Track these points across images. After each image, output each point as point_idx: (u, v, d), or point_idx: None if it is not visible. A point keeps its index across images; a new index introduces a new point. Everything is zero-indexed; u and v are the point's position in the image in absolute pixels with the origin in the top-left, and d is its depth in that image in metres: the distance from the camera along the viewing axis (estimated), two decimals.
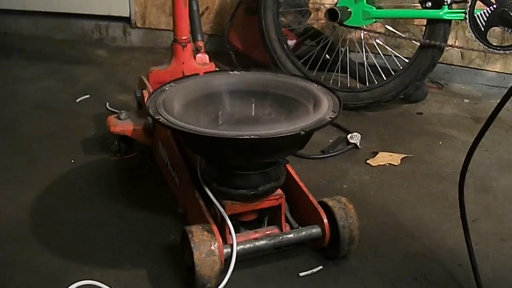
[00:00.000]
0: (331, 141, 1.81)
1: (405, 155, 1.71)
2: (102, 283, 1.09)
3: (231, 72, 1.30)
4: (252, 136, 0.97)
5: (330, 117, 1.06)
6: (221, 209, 1.15)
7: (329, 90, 1.19)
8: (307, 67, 2.15)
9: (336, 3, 1.97)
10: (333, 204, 1.20)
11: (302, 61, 2.15)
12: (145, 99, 1.54)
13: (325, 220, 1.18)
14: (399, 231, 1.35)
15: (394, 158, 1.69)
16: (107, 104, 2.06)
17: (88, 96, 2.16)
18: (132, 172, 1.61)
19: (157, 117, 1.05)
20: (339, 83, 2.11)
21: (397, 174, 1.62)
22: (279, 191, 1.20)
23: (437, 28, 1.85)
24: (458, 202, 1.13)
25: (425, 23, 1.91)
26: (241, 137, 0.97)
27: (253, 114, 1.18)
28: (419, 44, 1.91)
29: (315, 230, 1.19)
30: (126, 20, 2.84)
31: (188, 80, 1.26)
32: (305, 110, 1.14)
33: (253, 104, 1.22)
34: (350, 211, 1.19)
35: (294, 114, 1.16)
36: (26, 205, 1.44)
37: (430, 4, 1.84)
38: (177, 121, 1.03)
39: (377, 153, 1.72)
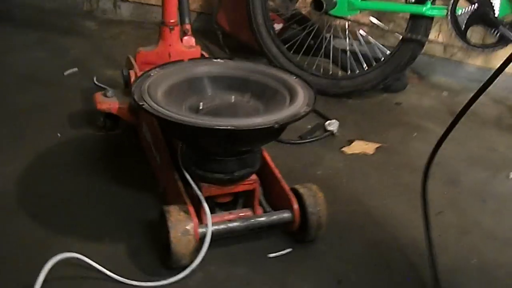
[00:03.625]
0: (309, 126, 1.87)
1: (379, 145, 1.78)
2: (83, 255, 1.16)
3: (214, 60, 1.36)
4: (229, 127, 1.03)
5: (304, 111, 1.13)
6: (198, 191, 1.21)
7: (306, 84, 1.25)
8: (292, 51, 2.20)
9: None
10: (304, 191, 1.27)
11: (287, 45, 2.20)
12: (131, 80, 1.60)
13: (296, 206, 1.26)
14: (366, 219, 1.42)
15: (368, 147, 1.76)
16: (95, 78, 2.11)
17: (76, 69, 2.19)
18: (117, 148, 1.67)
19: (141, 103, 1.11)
20: (321, 69, 2.17)
21: (370, 163, 1.69)
22: (254, 176, 1.26)
23: (419, 23, 1.91)
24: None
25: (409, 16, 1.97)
26: (218, 127, 1.03)
27: (232, 101, 1.23)
28: (401, 37, 1.97)
29: (286, 215, 1.26)
30: None
31: (173, 66, 1.31)
32: (282, 101, 1.20)
33: (234, 92, 1.28)
34: (319, 199, 1.26)
35: (272, 104, 1.22)
36: (12, 176, 1.49)
37: None
38: (160, 108, 1.09)
39: (352, 141, 1.79)
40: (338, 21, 2.16)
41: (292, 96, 1.20)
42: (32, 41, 2.48)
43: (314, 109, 1.90)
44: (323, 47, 2.17)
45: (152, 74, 1.25)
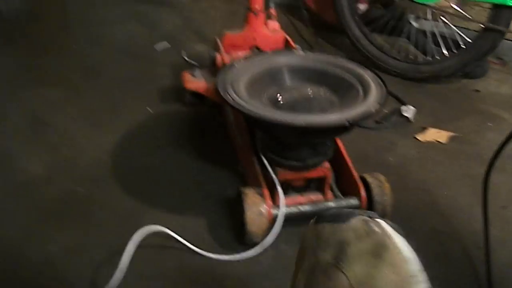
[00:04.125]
0: (386, 111, 1.93)
1: (453, 134, 1.82)
2: (167, 227, 1.29)
3: (295, 52, 1.45)
4: (303, 124, 1.13)
5: (375, 109, 1.20)
6: (274, 175, 1.32)
7: (380, 80, 1.32)
8: (375, 31, 2.23)
9: None
10: (371, 180, 1.35)
11: (371, 26, 2.23)
12: (217, 62, 1.71)
13: (363, 194, 1.34)
14: (431, 208, 1.49)
15: (442, 136, 1.80)
16: (184, 54, 2.23)
17: (166, 43, 2.34)
18: (202, 125, 1.80)
19: (225, 97, 1.22)
20: (402, 52, 2.19)
21: (442, 152, 1.74)
22: (326, 164, 1.36)
23: (501, 13, 1.90)
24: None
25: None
26: (293, 124, 1.13)
27: (309, 94, 1.32)
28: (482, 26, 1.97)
29: (354, 201, 1.35)
30: None
31: (255, 57, 1.41)
32: (356, 96, 1.27)
33: (312, 84, 1.36)
34: (386, 189, 1.34)
35: (346, 98, 1.29)
36: (106, 147, 1.66)
37: None
38: (242, 102, 1.20)
39: (426, 128, 1.84)
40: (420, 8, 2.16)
41: (366, 91, 1.28)
42: (127, 15, 2.65)
43: (392, 94, 1.97)
44: (406, 29, 2.19)
45: (236, 65, 1.36)
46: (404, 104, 1.95)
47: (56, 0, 2.89)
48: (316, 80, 1.37)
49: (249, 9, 1.74)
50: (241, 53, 1.74)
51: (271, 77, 1.36)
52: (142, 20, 2.59)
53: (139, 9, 2.74)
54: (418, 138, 1.79)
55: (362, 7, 2.39)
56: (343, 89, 1.33)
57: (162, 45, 2.33)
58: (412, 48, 2.21)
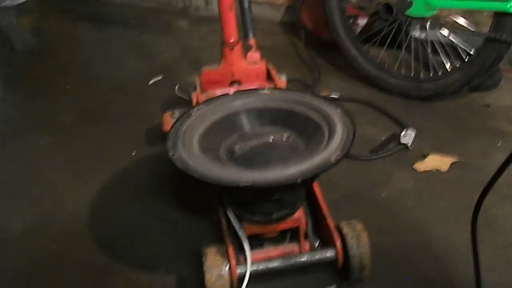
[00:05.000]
0: (383, 138, 1.80)
1: (456, 160, 1.67)
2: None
3: (261, 92, 1.34)
4: (249, 184, 1.02)
5: (335, 159, 1.08)
6: (239, 231, 1.22)
7: (349, 119, 1.19)
8: (376, 44, 2.10)
9: None
10: (347, 231, 1.23)
11: (373, 40, 2.11)
12: (193, 102, 1.63)
13: (339, 246, 1.23)
14: (424, 252, 1.35)
15: (443, 163, 1.66)
16: (176, 87, 2.17)
17: (160, 77, 2.27)
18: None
19: (171, 153, 1.13)
20: (403, 69, 2.05)
21: (441, 182, 1.59)
22: (297, 214, 1.25)
23: (505, 22, 1.74)
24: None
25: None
26: (237, 184, 1.03)
27: (270, 140, 1.21)
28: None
29: (329, 254, 1.24)
30: None
31: (215, 101, 1.31)
32: (320, 140, 1.16)
33: (275, 126, 1.26)
34: (362, 240, 1.22)
35: (312, 142, 1.18)
36: (85, 199, 1.61)
37: None
38: (188, 160, 1.10)
39: (427, 155, 1.70)
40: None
41: (331, 134, 1.16)
42: (127, 48, 2.60)
43: (391, 116, 1.84)
44: (407, 41, 2.04)
45: (193, 113, 1.27)
46: (404, 127, 1.82)
47: (70, 36, 2.88)
48: (280, 122, 1.27)
49: (223, 43, 1.65)
50: (219, 91, 1.65)
51: (231, 124, 1.27)
52: (141, 53, 2.54)
53: (140, 40, 2.69)
54: (416, 167, 1.65)
55: (362, 21, 2.26)
56: (309, 131, 1.22)
57: (156, 79, 2.27)
58: (414, 63, 2.06)
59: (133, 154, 1.80)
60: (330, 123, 1.20)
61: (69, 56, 2.63)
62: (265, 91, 1.34)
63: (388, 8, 1.81)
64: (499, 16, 1.75)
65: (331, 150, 1.11)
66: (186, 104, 1.77)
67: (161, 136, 1.84)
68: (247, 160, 1.15)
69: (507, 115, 1.91)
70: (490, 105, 1.97)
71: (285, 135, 1.22)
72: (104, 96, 2.18)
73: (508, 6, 1.70)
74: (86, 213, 1.55)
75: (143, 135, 1.90)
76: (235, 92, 1.35)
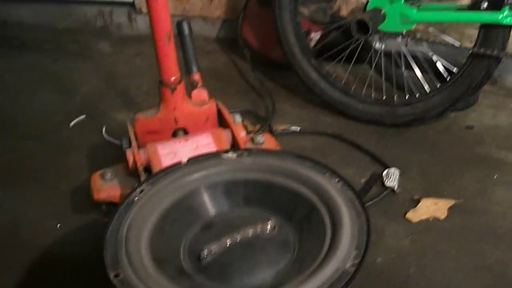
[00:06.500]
0: (363, 180, 1.50)
1: (453, 202, 1.40)
2: None
3: (224, 156, 1.01)
4: None
5: (352, 266, 0.77)
6: None
7: (353, 193, 0.89)
8: (337, 60, 1.80)
9: (366, 5, 1.60)
10: None
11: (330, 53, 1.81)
12: (129, 163, 1.28)
13: None
14: None
15: (439, 208, 1.39)
16: (104, 130, 1.79)
17: (83, 117, 1.89)
18: None
19: (113, 275, 0.78)
20: (372, 93, 1.76)
21: (443, 234, 1.32)
22: None
23: (494, 34, 1.48)
24: None
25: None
26: None
27: (250, 235, 0.88)
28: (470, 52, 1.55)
29: None
30: (130, 5, 2.52)
31: (165, 176, 0.97)
32: (320, 232, 0.85)
33: (252, 208, 0.94)
34: None
35: (306, 233, 0.87)
36: None
37: (486, 5, 1.46)
38: (136, 281, 0.76)
39: (419, 200, 1.42)
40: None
41: (334, 221, 0.85)
42: (40, 81, 2.19)
43: (370, 144, 1.56)
44: (372, 57, 1.76)
45: (136, 198, 0.92)
46: (383, 164, 1.54)
47: None
48: (256, 201, 0.95)
49: (161, 83, 1.30)
50: (161, 145, 1.29)
51: (190, 209, 0.94)
52: (58, 85, 2.14)
53: (56, 69, 2.28)
54: (409, 218, 1.37)
55: (315, 36, 1.96)
56: (299, 215, 0.91)
57: (79, 119, 1.88)
58: (386, 84, 1.78)
59: (58, 226, 1.42)
60: (329, 203, 0.89)
61: None
62: (230, 154, 1.02)
63: (362, 25, 1.50)
64: (487, 28, 1.49)
65: (342, 253, 0.79)
66: (118, 153, 1.41)
67: (91, 201, 1.48)
68: (222, 271, 0.82)
69: (494, 138, 1.66)
70: (473, 126, 1.72)
71: (269, 224, 0.89)
72: (15, 148, 1.77)
73: (500, 17, 1.44)
74: None
75: (68, 198, 1.51)
76: (188, 160, 1.02)
